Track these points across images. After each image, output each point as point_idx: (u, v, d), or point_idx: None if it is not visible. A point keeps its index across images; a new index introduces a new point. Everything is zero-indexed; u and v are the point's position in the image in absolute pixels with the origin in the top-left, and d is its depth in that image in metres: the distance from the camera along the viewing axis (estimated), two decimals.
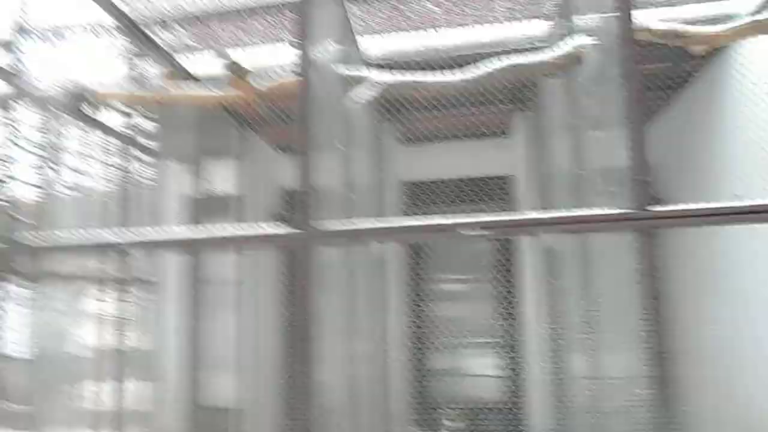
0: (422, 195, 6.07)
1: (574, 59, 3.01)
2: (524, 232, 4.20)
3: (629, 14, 2.59)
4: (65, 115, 3.68)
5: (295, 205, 6.56)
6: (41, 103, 3.41)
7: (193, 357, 5.17)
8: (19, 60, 3.16)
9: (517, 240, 5.71)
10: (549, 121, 4.51)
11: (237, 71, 3.25)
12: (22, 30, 3.23)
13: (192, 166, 6.27)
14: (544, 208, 4.81)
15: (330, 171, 3.23)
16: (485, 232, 2.47)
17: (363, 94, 3.10)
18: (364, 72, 3.15)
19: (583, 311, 3.68)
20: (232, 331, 5.23)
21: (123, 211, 4.48)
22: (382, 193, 5.56)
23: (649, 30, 2.89)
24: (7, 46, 3.19)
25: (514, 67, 3.04)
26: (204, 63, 4.01)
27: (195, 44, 4.31)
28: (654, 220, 2.42)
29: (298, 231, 2.65)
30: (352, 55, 4.29)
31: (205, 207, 5.62)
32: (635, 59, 2.58)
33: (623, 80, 2.58)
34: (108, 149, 4.37)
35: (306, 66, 2.74)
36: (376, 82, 3.07)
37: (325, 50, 3.26)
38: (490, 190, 5.90)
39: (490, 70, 3.06)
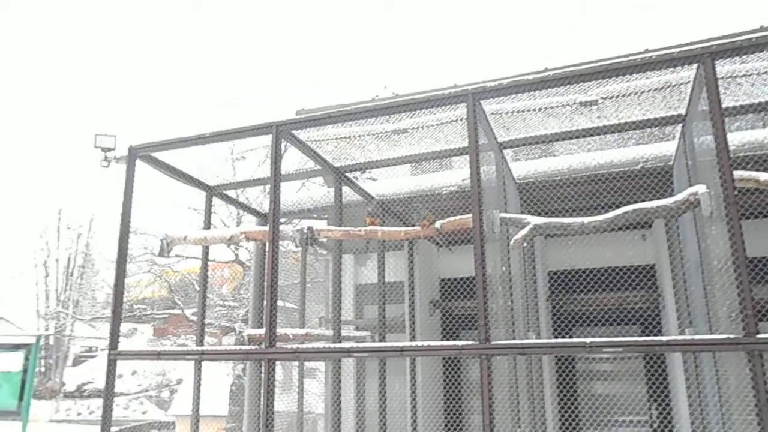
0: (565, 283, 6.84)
1: (690, 204, 3.79)
2: (655, 351, 4.85)
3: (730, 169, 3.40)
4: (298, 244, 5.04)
5: (445, 293, 7.64)
6: (289, 238, 4.80)
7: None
8: (275, 212, 4.57)
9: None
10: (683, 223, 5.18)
11: (428, 220, 4.45)
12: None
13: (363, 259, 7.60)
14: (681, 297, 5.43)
15: (496, 293, 4.23)
16: (621, 351, 3.32)
17: (521, 236, 4.11)
18: (524, 217, 4.16)
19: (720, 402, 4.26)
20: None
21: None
22: (534, 282, 6.45)
23: (756, 180, 3.63)
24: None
25: (641, 210, 3.89)
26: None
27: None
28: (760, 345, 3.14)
29: (481, 345, 3.64)
30: (508, 180, 5.36)
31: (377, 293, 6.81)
32: (741, 204, 3.37)
33: (729, 225, 3.37)
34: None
35: (477, 206, 3.83)
36: (534, 225, 4.06)
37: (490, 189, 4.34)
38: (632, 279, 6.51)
39: (621, 213, 3.93)
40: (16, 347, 8.16)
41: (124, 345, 4.65)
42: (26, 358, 8.15)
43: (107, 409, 4.45)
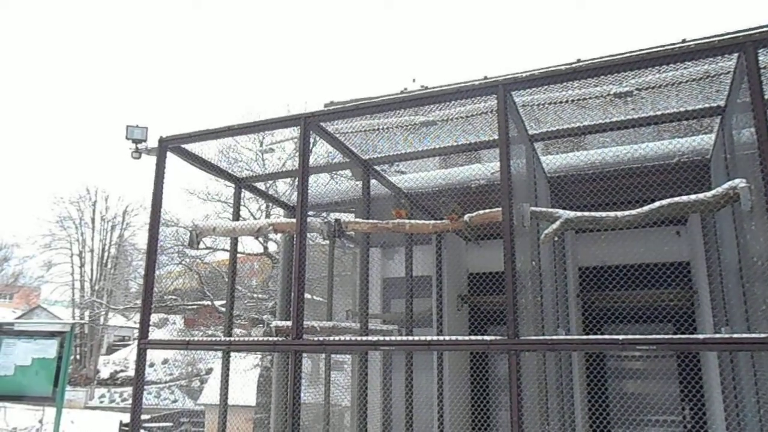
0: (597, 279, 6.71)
1: (729, 198, 3.66)
2: (691, 350, 4.73)
3: None
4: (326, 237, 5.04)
5: (473, 288, 7.56)
6: (317, 231, 4.80)
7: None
8: (303, 203, 4.56)
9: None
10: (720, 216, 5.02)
11: (457, 213, 4.39)
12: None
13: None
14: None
15: (525, 287, 4.16)
16: (653, 348, 3.23)
17: (552, 230, 4.02)
18: (555, 211, 4.08)
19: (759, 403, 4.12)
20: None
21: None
22: (564, 277, 6.34)
23: None
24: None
25: (677, 204, 3.77)
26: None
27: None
28: None
29: (509, 340, 3.59)
30: (538, 174, 5.27)
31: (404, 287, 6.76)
32: None
33: None
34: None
35: (507, 200, 3.77)
36: (566, 219, 3.98)
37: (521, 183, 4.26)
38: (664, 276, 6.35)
39: (656, 207, 3.81)
40: (51, 335, 8.34)
41: (155, 335, 4.71)
42: (61, 346, 8.32)
43: (137, 396, 4.52)
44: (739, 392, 4.72)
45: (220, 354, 5.51)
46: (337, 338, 5.25)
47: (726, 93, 4.26)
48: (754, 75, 3.42)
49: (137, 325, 4.65)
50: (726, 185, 3.71)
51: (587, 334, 6.60)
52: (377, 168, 5.78)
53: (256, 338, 5.13)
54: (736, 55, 3.74)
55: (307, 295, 7.08)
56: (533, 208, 4.17)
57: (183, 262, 21.57)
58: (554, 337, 3.95)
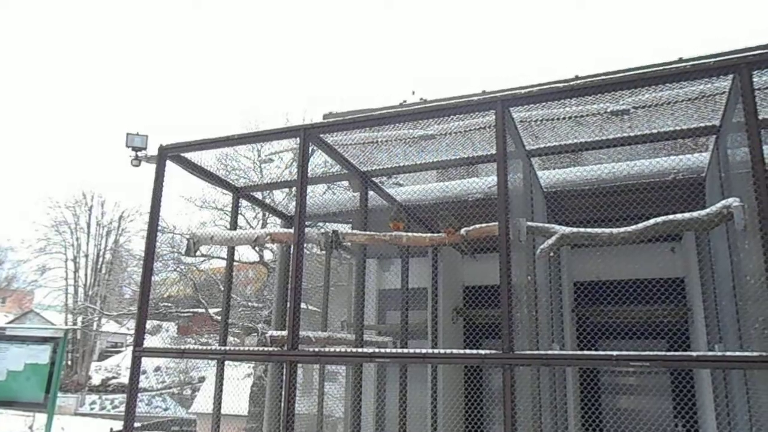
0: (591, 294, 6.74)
1: (723, 217, 3.71)
2: (684, 367, 4.75)
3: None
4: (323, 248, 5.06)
5: (469, 301, 7.57)
6: (314, 241, 4.82)
7: None
8: (301, 215, 4.59)
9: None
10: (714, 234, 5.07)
11: (453, 226, 4.43)
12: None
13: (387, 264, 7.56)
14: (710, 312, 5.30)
15: (521, 301, 4.18)
16: (646, 365, 3.26)
17: (548, 245, 4.05)
18: (551, 226, 4.12)
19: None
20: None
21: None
22: (559, 292, 6.36)
23: None
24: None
25: (672, 222, 3.81)
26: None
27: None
28: None
29: (504, 354, 3.60)
30: (535, 189, 5.31)
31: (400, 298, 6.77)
32: None
33: (763, 239, 3.28)
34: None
35: (504, 216, 3.80)
36: (561, 235, 4.01)
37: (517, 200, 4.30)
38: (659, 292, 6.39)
39: (651, 224, 3.85)
40: (44, 340, 8.32)
41: (148, 342, 4.70)
42: (54, 351, 8.29)
43: (131, 404, 4.51)
44: (731, 410, 4.74)
45: (213, 362, 5.51)
46: (332, 349, 5.26)
47: (721, 113, 4.31)
48: (748, 96, 3.47)
49: (130, 332, 4.68)
50: (720, 204, 3.75)
51: (581, 349, 6.60)
52: (375, 180, 5.81)
53: (251, 348, 5.13)
54: (731, 76, 3.80)
55: (302, 305, 7.06)
56: (529, 223, 4.21)
57: (178, 269, 21.50)
58: (549, 352, 3.98)
